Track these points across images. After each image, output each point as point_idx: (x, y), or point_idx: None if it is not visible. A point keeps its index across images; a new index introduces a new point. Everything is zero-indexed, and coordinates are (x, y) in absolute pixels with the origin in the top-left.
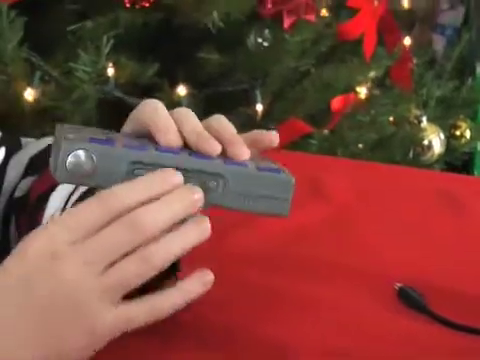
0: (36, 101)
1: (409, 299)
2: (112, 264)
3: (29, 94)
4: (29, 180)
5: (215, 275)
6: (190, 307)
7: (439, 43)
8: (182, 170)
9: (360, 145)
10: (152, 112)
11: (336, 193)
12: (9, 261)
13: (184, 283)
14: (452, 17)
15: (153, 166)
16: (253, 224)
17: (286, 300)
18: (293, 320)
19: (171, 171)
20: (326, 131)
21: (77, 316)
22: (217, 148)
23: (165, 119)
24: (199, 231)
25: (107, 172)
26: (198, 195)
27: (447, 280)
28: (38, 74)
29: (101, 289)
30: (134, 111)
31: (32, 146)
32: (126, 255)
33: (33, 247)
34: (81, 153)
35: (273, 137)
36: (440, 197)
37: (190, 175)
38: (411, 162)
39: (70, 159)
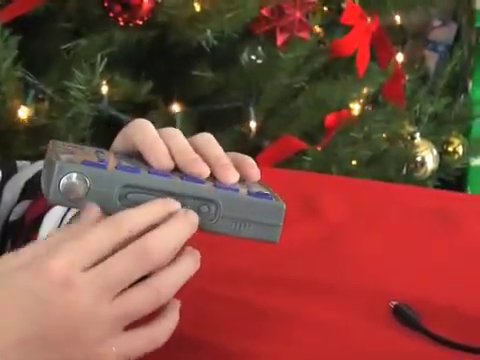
0: (30, 119)
1: (404, 317)
2: (121, 292)
3: (23, 112)
4: (24, 204)
5: (208, 293)
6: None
7: (431, 60)
8: (175, 195)
9: (354, 162)
10: (141, 133)
11: (330, 210)
12: (24, 273)
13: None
14: (444, 34)
15: (146, 190)
16: (247, 242)
17: (280, 318)
18: (287, 338)
19: (171, 200)
20: (320, 148)
21: (84, 346)
22: (205, 171)
23: (155, 141)
24: (195, 260)
25: (100, 195)
26: (196, 219)
27: (442, 298)
28: (32, 92)
29: (112, 320)
30: (123, 130)
31: (27, 169)
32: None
33: (50, 268)
34: (74, 176)
35: (253, 172)
36: (435, 215)
37: (183, 200)
38: (405, 178)
39: (63, 181)
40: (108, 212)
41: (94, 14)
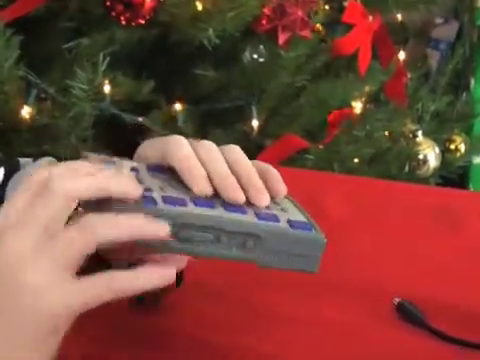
0: (32, 119)
1: (408, 313)
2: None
3: (25, 112)
4: None
5: (209, 292)
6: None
7: (433, 58)
8: (221, 230)
9: (356, 160)
10: (181, 155)
11: (333, 208)
12: None
13: (143, 271)
14: (446, 32)
15: (196, 227)
16: None
17: (282, 316)
18: (290, 337)
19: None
20: (322, 146)
21: (21, 292)
22: (242, 198)
23: (194, 165)
24: (148, 230)
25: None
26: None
27: (445, 294)
28: (34, 92)
29: (48, 259)
30: (157, 145)
31: (29, 168)
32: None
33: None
34: None
35: (281, 188)
36: (437, 212)
37: (230, 235)
38: (407, 176)
39: None
40: (157, 249)
41: (96, 13)
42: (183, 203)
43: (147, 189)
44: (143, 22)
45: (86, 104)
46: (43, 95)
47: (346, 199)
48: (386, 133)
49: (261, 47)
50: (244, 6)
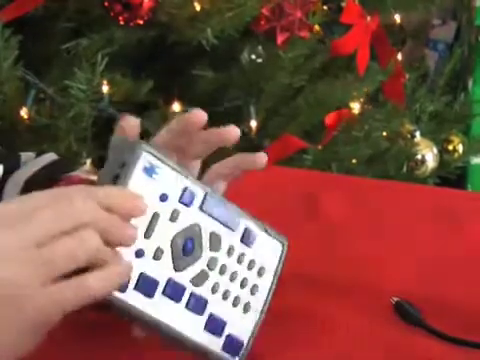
0: (31, 119)
1: (405, 313)
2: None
3: (24, 112)
4: None
5: None
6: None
7: (431, 58)
8: (162, 331)
9: (354, 160)
10: None
11: (331, 209)
12: None
13: (120, 267)
14: (444, 32)
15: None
16: None
17: (281, 316)
18: (288, 336)
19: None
20: (320, 147)
21: (6, 297)
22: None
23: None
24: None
25: (125, 313)
26: (131, 231)
27: (443, 294)
28: (33, 92)
29: (32, 266)
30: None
31: (29, 166)
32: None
33: None
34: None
35: (258, 158)
36: (436, 212)
37: (169, 336)
38: (405, 176)
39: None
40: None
41: (95, 14)
42: (151, 292)
43: (140, 252)
44: (142, 22)
45: (85, 104)
46: (42, 95)
47: (344, 199)
48: (384, 133)
49: (259, 47)
50: (242, 7)
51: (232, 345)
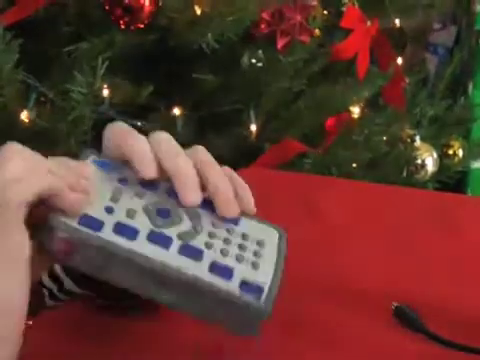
0: (32, 122)
1: (405, 318)
2: None
3: (25, 115)
4: None
5: None
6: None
7: (431, 62)
8: (158, 275)
9: (354, 164)
10: (136, 147)
11: (331, 213)
12: None
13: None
14: (444, 36)
15: (130, 264)
16: None
17: (281, 319)
18: (287, 339)
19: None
20: (320, 151)
21: None
22: (196, 200)
23: (147, 154)
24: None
25: (85, 259)
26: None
27: (444, 299)
28: (34, 96)
29: None
30: (117, 138)
31: None
32: None
33: None
34: (62, 234)
35: (250, 208)
36: (436, 217)
37: (165, 281)
38: (405, 181)
39: (52, 235)
40: (93, 275)
41: (95, 17)
42: (132, 236)
43: (109, 209)
44: (142, 26)
45: (85, 108)
46: (42, 99)
47: (344, 203)
48: (384, 138)
49: (260, 51)
50: (243, 11)
51: (250, 287)
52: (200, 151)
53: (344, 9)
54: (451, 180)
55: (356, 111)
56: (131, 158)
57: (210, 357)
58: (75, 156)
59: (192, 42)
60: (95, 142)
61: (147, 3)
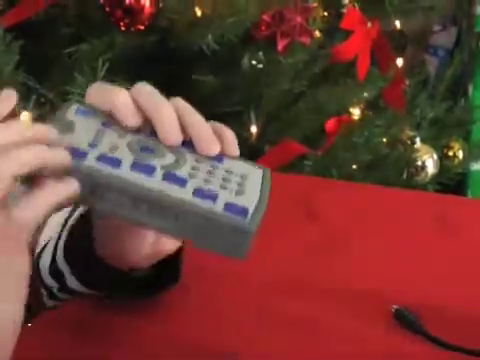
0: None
1: (405, 321)
2: None
3: (25, 117)
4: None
5: (217, 299)
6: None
7: (431, 64)
8: (143, 200)
9: (354, 166)
10: (118, 98)
11: (331, 215)
12: None
13: (44, 188)
14: (444, 38)
15: (115, 190)
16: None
17: (282, 321)
18: (288, 341)
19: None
20: (320, 152)
21: None
22: (177, 139)
23: (128, 104)
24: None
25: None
26: (66, 189)
27: (443, 302)
28: (34, 97)
29: None
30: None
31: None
32: None
33: None
34: None
35: (232, 149)
36: (436, 219)
37: (151, 206)
38: (405, 183)
39: None
40: (79, 202)
41: (95, 19)
42: (116, 164)
43: (92, 144)
44: (143, 28)
45: None
46: (43, 100)
47: (344, 205)
48: (384, 139)
49: (260, 53)
50: (243, 12)
51: (234, 208)
52: (180, 100)
53: (344, 11)
54: (451, 182)
55: (356, 113)
56: (113, 108)
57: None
58: None
59: (192, 43)
60: None
61: (147, 4)
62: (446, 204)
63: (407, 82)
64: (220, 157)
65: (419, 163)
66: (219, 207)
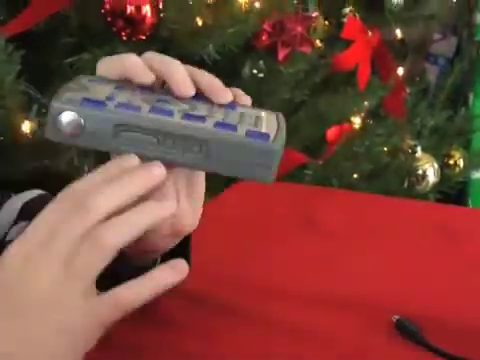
0: (33, 133)
1: (406, 331)
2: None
3: (26, 127)
4: (21, 226)
5: (216, 305)
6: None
7: (432, 73)
8: (166, 134)
9: (355, 175)
10: (131, 61)
11: (332, 224)
12: None
13: (154, 272)
14: (444, 47)
15: (138, 129)
16: (250, 254)
17: (283, 330)
18: (290, 351)
19: (127, 157)
20: (321, 161)
21: (48, 313)
22: (190, 91)
23: (140, 64)
24: (156, 210)
25: (94, 133)
26: (157, 170)
27: (444, 312)
28: (35, 106)
29: (68, 280)
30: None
31: (25, 194)
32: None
33: (9, 253)
34: (69, 115)
35: (243, 96)
36: (436, 229)
37: (175, 139)
38: (406, 192)
39: (59, 119)
40: (104, 149)
41: (97, 29)
42: (136, 109)
43: (110, 97)
44: (144, 38)
45: None
46: (44, 110)
47: (345, 215)
48: (385, 148)
49: (261, 63)
50: (244, 22)
51: (256, 134)
52: (189, 66)
53: (345, 20)
54: (452, 190)
55: (357, 122)
56: (125, 70)
57: None
58: (76, 168)
59: (193, 53)
60: (96, 153)
61: (149, 15)
62: (447, 214)
63: (407, 91)
64: (233, 105)
65: (420, 172)
66: (241, 134)
